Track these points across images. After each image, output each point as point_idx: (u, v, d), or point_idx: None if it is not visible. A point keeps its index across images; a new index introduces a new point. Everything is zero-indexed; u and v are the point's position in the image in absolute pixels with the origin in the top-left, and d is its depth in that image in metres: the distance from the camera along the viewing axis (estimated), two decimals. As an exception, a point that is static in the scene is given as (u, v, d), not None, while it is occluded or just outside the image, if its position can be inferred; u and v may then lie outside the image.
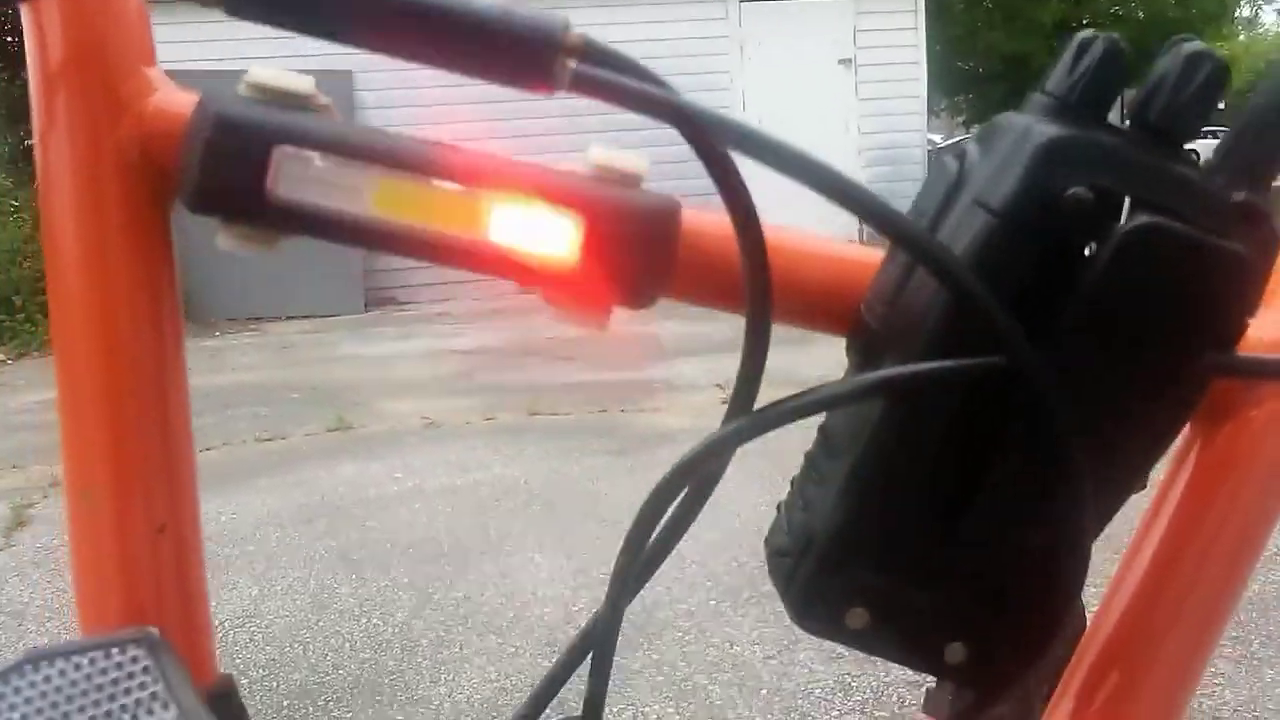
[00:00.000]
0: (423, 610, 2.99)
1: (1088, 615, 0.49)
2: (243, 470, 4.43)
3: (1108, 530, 0.40)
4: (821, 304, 0.44)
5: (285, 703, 2.53)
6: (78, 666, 0.37)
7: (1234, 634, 2.65)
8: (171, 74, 0.42)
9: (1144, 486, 0.42)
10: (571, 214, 0.37)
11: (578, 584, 3.06)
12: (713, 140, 0.34)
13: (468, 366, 6.60)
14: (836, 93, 10.41)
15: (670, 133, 0.35)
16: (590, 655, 0.42)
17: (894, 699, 2.39)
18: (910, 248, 0.36)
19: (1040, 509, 0.37)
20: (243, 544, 3.55)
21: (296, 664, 2.72)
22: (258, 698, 2.56)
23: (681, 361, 5.97)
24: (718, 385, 4.93)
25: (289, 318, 9.09)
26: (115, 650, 0.38)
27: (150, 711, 0.36)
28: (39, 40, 0.40)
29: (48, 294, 0.42)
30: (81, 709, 0.36)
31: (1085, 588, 0.39)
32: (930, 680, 0.43)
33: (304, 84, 0.36)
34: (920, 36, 10.68)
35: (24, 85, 0.43)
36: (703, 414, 4.51)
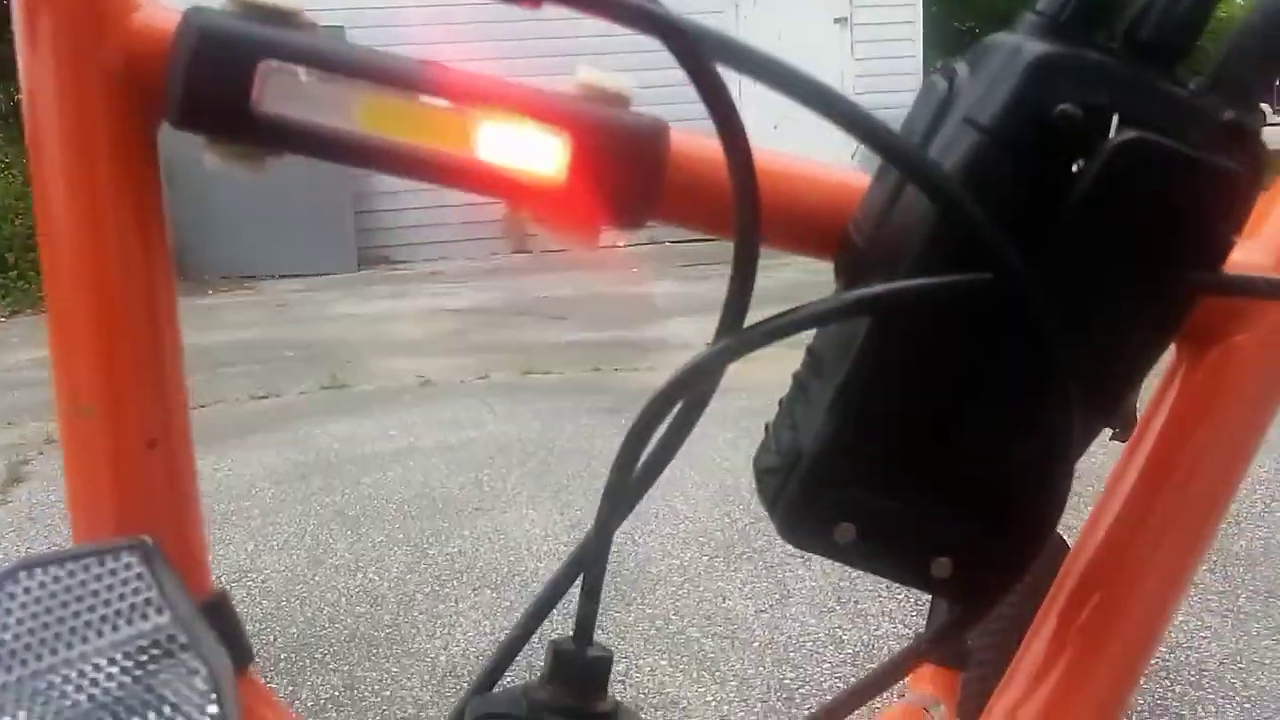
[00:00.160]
0: (418, 565, 3.01)
1: (1070, 540, 0.50)
2: (237, 428, 4.43)
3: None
4: (810, 225, 0.44)
5: (282, 656, 2.55)
6: (71, 573, 0.37)
7: (1221, 589, 2.68)
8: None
9: (1126, 410, 0.42)
10: (559, 132, 0.37)
11: (571, 539, 3.08)
12: (699, 54, 0.34)
13: (461, 325, 6.59)
14: (832, 52, 10.34)
15: (665, 60, 0.35)
16: (580, 578, 0.42)
17: (884, 651, 2.42)
18: (898, 162, 0.36)
19: (1027, 423, 0.38)
20: (238, 500, 3.56)
21: (293, 618, 2.74)
22: (255, 651, 2.57)
23: (675, 321, 5.97)
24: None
25: (282, 276, 9.06)
26: (109, 557, 0.38)
27: (145, 616, 0.37)
28: None
29: (34, 214, 0.42)
30: (75, 614, 0.36)
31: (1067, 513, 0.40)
32: (921, 628, 0.43)
33: (290, 1, 0.36)
34: (918, -4, 10.60)
35: (13, 41, 0.42)
36: (696, 373, 4.51)
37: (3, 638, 0.35)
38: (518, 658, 0.46)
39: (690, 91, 0.34)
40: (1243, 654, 2.40)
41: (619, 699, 0.42)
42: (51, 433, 4.37)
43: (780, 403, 0.43)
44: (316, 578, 2.97)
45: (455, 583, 2.89)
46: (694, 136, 0.42)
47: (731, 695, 2.31)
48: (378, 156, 0.36)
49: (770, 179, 0.41)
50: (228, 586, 2.73)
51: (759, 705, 2.28)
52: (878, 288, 0.37)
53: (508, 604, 2.75)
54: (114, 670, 0.36)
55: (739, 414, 3.72)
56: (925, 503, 0.39)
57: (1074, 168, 0.35)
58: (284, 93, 0.35)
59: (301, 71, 0.35)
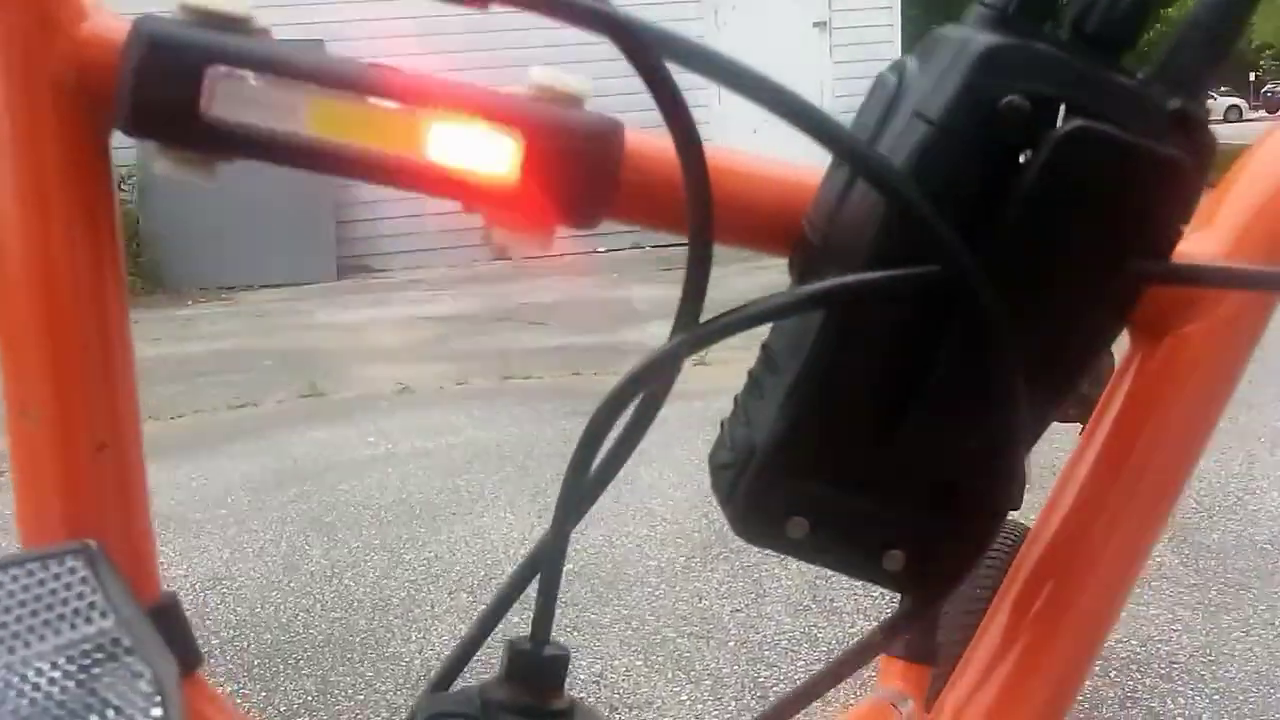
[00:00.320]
0: (394, 570, 3.00)
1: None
2: (214, 437, 4.42)
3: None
4: (764, 223, 0.44)
5: (256, 662, 2.54)
6: (15, 578, 0.37)
7: (1193, 582, 2.70)
8: None
9: (1082, 398, 0.42)
10: (511, 132, 0.37)
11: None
12: (647, 52, 0.34)
13: (441, 332, 6.58)
14: (811, 56, 10.38)
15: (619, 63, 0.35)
16: (538, 577, 0.42)
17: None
18: (848, 156, 0.36)
19: (975, 414, 0.38)
20: (213, 508, 3.55)
21: (268, 624, 2.73)
22: (228, 657, 2.57)
23: (654, 324, 5.96)
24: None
25: (262, 286, 9.04)
26: (53, 562, 0.38)
27: (89, 620, 0.36)
28: None
29: None
30: (18, 619, 0.36)
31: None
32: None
33: (239, 6, 0.36)
34: (895, -1, 10.66)
35: None
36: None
37: None
38: (481, 658, 0.46)
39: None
40: (1213, 646, 2.41)
41: (583, 697, 0.42)
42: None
43: (735, 399, 0.43)
44: (291, 584, 2.96)
45: (431, 587, 2.89)
46: (649, 136, 0.42)
47: (706, 694, 2.31)
48: (328, 159, 0.36)
49: (724, 176, 0.41)
50: (201, 594, 2.71)
51: (733, 704, 2.28)
52: (829, 282, 0.37)
53: (484, 606, 2.73)
54: (56, 675, 0.35)
55: (717, 415, 3.73)
56: (877, 496, 0.40)
57: (1022, 158, 0.35)
58: (233, 98, 0.35)
59: (250, 76, 0.35)
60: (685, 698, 2.30)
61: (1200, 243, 0.47)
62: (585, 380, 4.96)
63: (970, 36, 0.36)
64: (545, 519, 3.36)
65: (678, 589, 2.79)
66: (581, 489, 0.40)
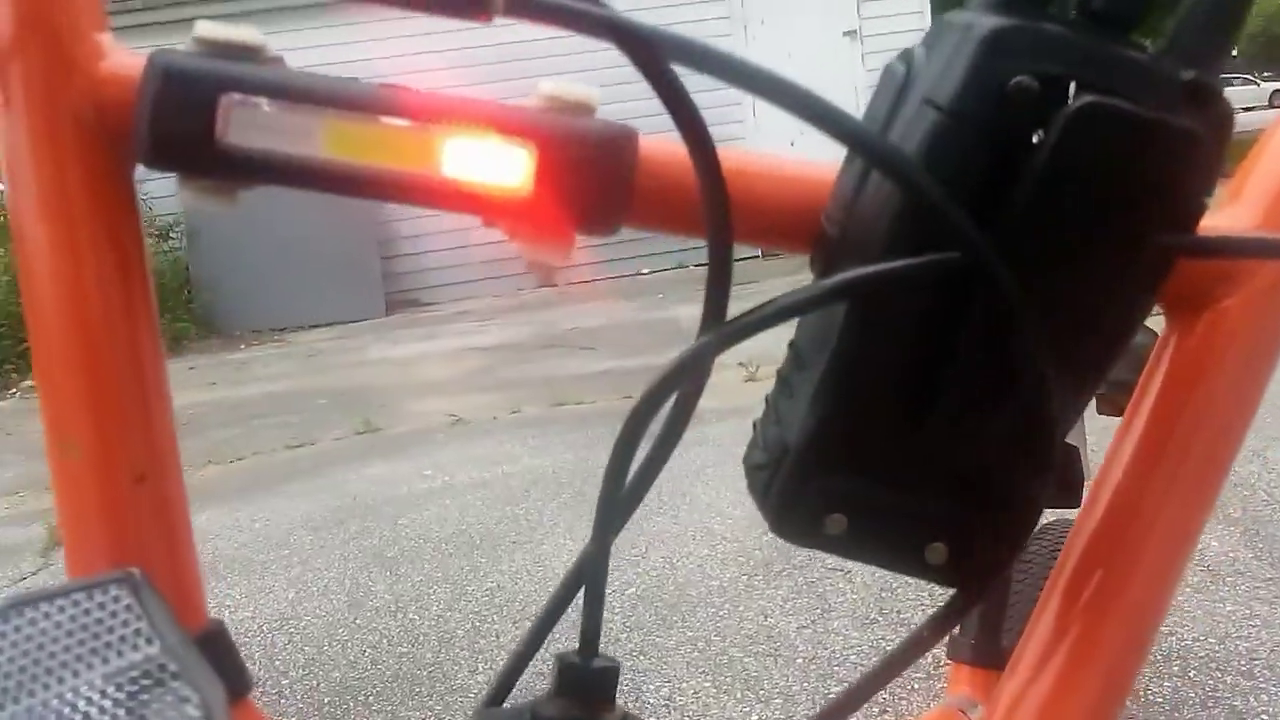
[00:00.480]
0: (458, 602, 3.01)
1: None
2: (273, 477, 4.46)
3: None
4: (782, 221, 0.44)
5: (326, 700, 2.56)
6: (61, 609, 0.37)
7: (1268, 575, 2.64)
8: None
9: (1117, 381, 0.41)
10: (523, 144, 0.37)
11: (609, 565, 3.07)
12: (655, 57, 0.34)
13: (491, 362, 6.61)
14: (843, 64, 10.35)
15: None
16: (583, 591, 0.42)
17: (928, 660, 2.39)
18: (859, 148, 0.36)
19: (1005, 400, 0.38)
20: (277, 549, 3.58)
21: (335, 662, 2.75)
22: (298, 696, 2.58)
23: (703, 344, 5.95)
24: (740, 364, 4.92)
25: (313, 326, 9.14)
26: (97, 591, 0.38)
27: (135, 648, 0.37)
28: None
29: (14, 260, 0.43)
30: (66, 649, 0.36)
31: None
32: (954, 631, 0.43)
33: (251, 35, 0.37)
34: (925, 3, 10.61)
35: None
36: (728, 392, 4.51)
37: None
38: (532, 673, 0.46)
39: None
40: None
41: (631, 710, 0.42)
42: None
43: (766, 399, 0.43)
44: (357, 621, 2.97)
45: (495, 617, 2.89)
46: (663, 141, 0.42)
47: (776, 713, 2.29)
48: (345, 180, 0.37)
49: (740, 178, 0.41)
50: (269, 635, 2.74)
51: (805, 721, 2.26)
52: (850, 273, 0.36)
53: (549, 635, 2.73)
54: (106, 703, 0.36)
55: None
56: (914, 488, 0.39)
57: (1035, 139, 0.35)
58: (248, 125, 0.36)
59: (264, 102, 0.36)
60: (756, 717, 2.28)
61: (1229, 216, 0.47)
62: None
63: (976, 20, 0.36)
64: (605, 543, 3.36)
65: (742, 608, 2.77)
66: (619, 498, 0.40)
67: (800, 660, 2.48)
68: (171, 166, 0.36)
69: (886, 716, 2.21)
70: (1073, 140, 0.34)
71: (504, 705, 0.47)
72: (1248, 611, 2.48)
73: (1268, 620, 2.43)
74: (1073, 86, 0.35)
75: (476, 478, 4.13)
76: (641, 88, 0.34)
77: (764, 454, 0.41)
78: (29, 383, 8.02)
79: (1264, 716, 2.10)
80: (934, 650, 0.44)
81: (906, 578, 0.42)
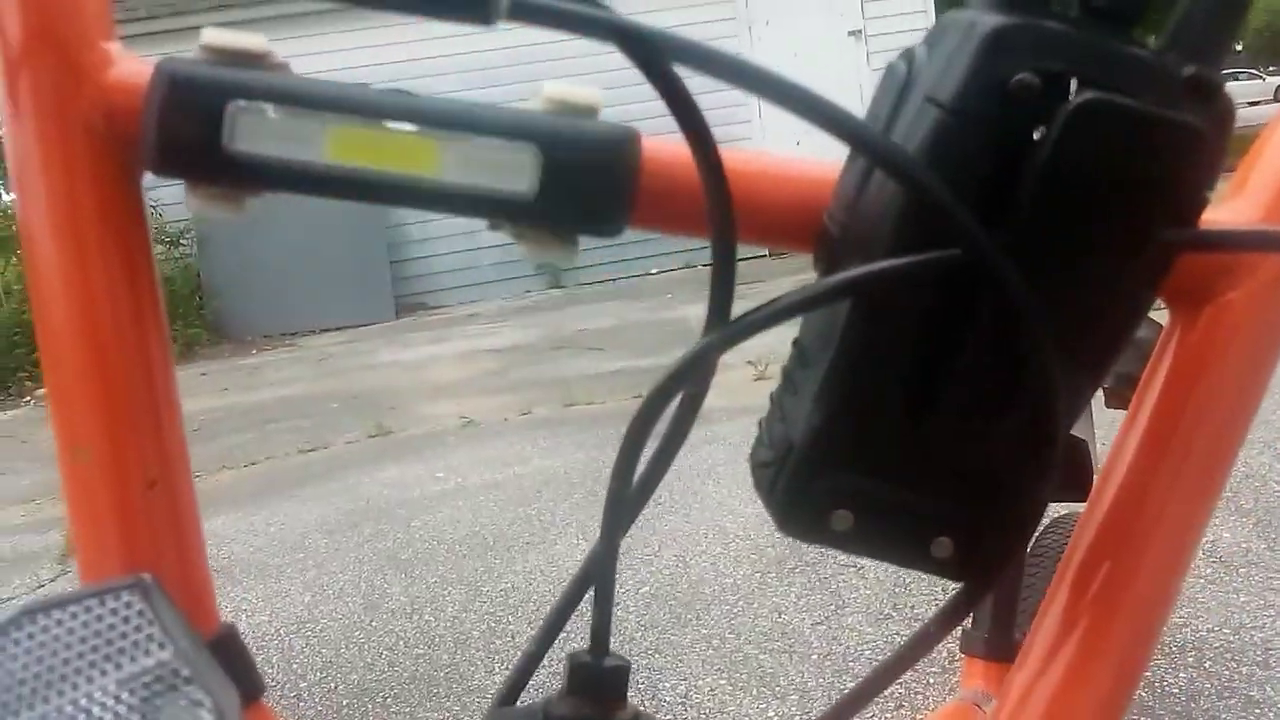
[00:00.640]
0: (473, 604, 3.02)
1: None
2: (287, 481, 4.48)
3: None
4: (785, 221, 0.44)
5: (345, 702, 2.57)
6: (73, 615, 0.38)
7: (1283, 566, 2.63)
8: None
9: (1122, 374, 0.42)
10: (527, 146, 0.37)
11: (623, 565, 3.08)
12: (657, 59, 0.34)
13: (501, 364, 6.62)
14: (848, 65, 10.34)
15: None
16: (592, 590, 0.43)
17: (943, 654, 2.39)
18: (861, 147, 0.36)
19: (1011, 395, 0.38)
20: (292, 552, 3.60)
21: (353, 664, 2.76)
22: (317, 699, 2.59)
23: (713, 342, 5.95)
24: (749, 363, 4.92)
25: (323, 331, 9.17)
26: (109, 598, 0.38)
27: (147, 652, 0.37)
28: None
29: (24, 270, 0.43)
30: (79, 654, 0.36)
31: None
32: (966, 623, 0.43)
33: (257, 42, 0.37)
34: (929, 3, 10.59)
35: None
36: (736, 391, 4.51)
37: (9, 683, 0.36)
38: (544, 673, 0.47)
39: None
40: None
41: (647, 708, 0.42)
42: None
43: (770, 397, 0.44)
44: (373, 623, 2.98)
45: (510, 617, 2.90)
46: (666, 142, 0.43)
47: (793, 709, 2.29)
48: (351, 186, 0.37)
49: (743, 177, 0.42)
50: (286, 639, 2.75)
51: (821, 718, 2.26)
52: (853, 272, 0.37)
53: (563, 634, 2.74)
54: (120, 708, 0.36)
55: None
56: (919, 483, 0.39)
57: (1036, 135, 0.35)
58: (254, 131, 0.36)
59: (270, 109, 0.36)
60: (773, 714, 2.28)
61: (1232, 210, 0.47)
62: (648, 402, 4.94)
63: (977, 18, 0.36)
64: (618, 543, 3.37)
65: (756, 605, 2.78)
66: (626, 497, 0.40)
67: (815, 656, 2.49)
68: (179, 173, 0.37)
69: (902, 711, 2.21)
70: (1075, 136, 0.34)
71: (516, 704, 0.47)
72: (1262, 602, 2.47)
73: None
74: (1074, 83, 0.35)
75: (489, 479, 4.14)
76: (643, 89, 0.35)
77: (769, 451, 0.41)
78: (42, 391, 8.06)
79: (1279, 706, 2.10)
80: (949, 645, 0.44)
81: (919, 573, 0.42)
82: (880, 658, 2.42)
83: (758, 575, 2.94)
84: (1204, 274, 0.45)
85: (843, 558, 2.90)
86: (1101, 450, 0.69)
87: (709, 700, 2.37)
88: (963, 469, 0.39)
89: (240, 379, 7.25)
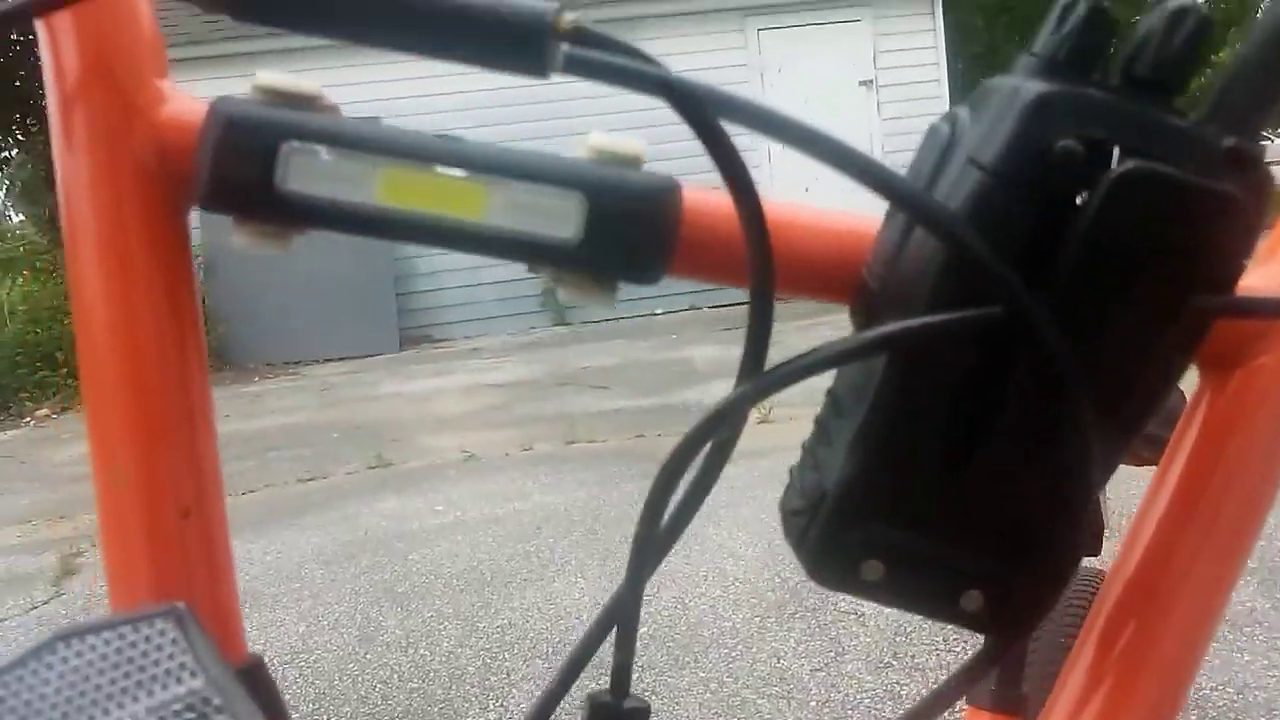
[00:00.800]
0: (469, 639, 3.00)
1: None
2: (286, 510, 4.47)
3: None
4: (823, 273, 0.45)
5: (336, 735, 2.55)
6: (107, 641, 0.38)
7: (1287, 628, 2.61)
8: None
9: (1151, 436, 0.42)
10: (573, 194, 0.38)
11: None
12: (705, 113, 0.35)
13: (504, 399, 6.63)
14: (859, 114, 10.42)
15: (672, 119, 0.36)
16: (614, 630, 0.43)
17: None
18: (905, 204, 0.37)
19: (1046, 453, 0.38)
20: (288, 582, 3.58)
21: (346, 697, 2.74)
22: (309, 730, 2.57)
23: (716, 384, 5.97)
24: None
25: (327, 360, 9.17)
26: (143, 625, 0.38)
27: (179, 680, 0.37)
28: (55, 59, 0.42)
29: (70, 300, 0.44)
30: (112, 680, 0.37)
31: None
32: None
33: (310, 86, 0.38)
34: (940, 55, 10.70)
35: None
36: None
37: (42, 707, 0.35)
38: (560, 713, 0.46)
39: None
40: None
41: None
42: (105, 524, 4.42)
43: (803, 446, 0.44)
44: (368, 655, 2.96)
45: (506, 654, 2.88)
46: (706, 192, 0.43)
47: (790, 757, 2.27)
48: (398, 228, 0.38)
49: (782, 229, 0.42)
50: (279, 669, 2.74)
51: (818, 766, 2.23)
52: (891, 326, 0.37)
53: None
54: None
55: (785, 473, 3.70)
56: (951, 536, 0.39)
57: (1078, 201, 0.36)
58: (306, 171, 0.37)
59: (323, 150, 0.37)
60: (768, 761, 2.26)
61: (1265, 275, 0.47)
62: (649, 442, 4.96)
63: (1021, 85, 0.36)
64: (616, 582, 3.37)
65: (755, 649, 2.76)
66: (654, 541, 0.41)
67: (814, 704, 2.47)
68: (230, 210, 0.37)
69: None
70: (1117, 204, 0.35)
71: None
72: (1266, 662, 2.46)
73: None
74: (1116, 151, 0.36)
75: (488, 514, 4.13)
76: (669, 130, 0.35)
77: (801, 500, 0.41)
78: (44, 411, 8.06)
79: (1283, 770, 2.08)
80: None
81: (924, 620, 0.42)
82: (879, 707, 2.41)
83: (757, 619, 2.93)
84: (1236, 338, 0.45)
85: (843, 604, 2.88)
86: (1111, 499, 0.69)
87: (705, 745, 2.34)
88: (996, 523, 0.39)
89: (242, 406, 7.25)
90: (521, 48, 0.35)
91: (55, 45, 0.42)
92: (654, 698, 2.55)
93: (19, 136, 16.43)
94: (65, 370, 8.55)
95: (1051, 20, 0.37)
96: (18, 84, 14.16)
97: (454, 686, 2.73)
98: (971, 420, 0.38)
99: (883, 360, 0.38)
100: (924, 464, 0.39)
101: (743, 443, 0.43)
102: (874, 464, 0.39)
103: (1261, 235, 0.40)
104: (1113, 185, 0.35)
